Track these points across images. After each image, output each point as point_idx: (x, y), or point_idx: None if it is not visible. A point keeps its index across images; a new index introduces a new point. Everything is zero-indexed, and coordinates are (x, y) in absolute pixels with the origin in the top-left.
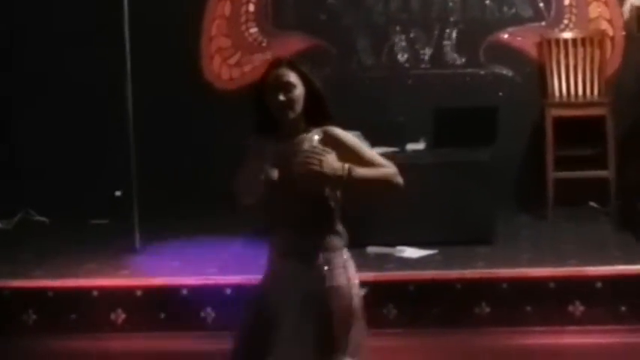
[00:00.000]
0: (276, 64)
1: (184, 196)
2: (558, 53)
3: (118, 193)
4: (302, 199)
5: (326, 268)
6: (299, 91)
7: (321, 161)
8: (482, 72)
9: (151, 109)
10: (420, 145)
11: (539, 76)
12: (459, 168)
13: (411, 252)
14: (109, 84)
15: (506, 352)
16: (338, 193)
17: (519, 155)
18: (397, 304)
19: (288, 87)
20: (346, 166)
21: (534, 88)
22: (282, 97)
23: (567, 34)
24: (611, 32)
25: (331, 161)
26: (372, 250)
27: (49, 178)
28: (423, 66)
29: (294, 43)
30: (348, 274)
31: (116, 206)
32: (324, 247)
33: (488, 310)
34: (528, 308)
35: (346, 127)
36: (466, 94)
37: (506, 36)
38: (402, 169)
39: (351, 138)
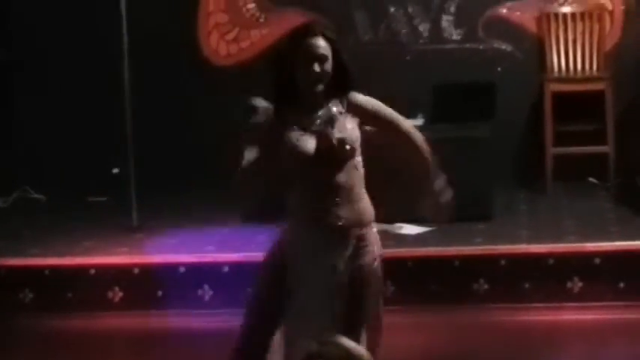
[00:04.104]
0: (308, 32)
1: (182, 172)
2: (557, 28)
3: (115, 171)
4: (333, 168)
5: (358, 243)
6: (330, 63)
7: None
8: (481, 47)
9: (148, 85)
10: (418, 121)
11: (539, 50)
12: (458, 144)
13: (409, 228)
14: (105, 60)
15: (505, 328)
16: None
17: (518, 131)
18: (395, 280)
19: (323, 58)
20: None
21: (533, 63)
22: (317, 69)
23: (566, 9)
24: (610, 6)
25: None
26: None
27: (47, 155)
28: (421, 41)
29: (292, 19)
30: (377, 251)
31: (114, 184)
32: (356, 221)
33: (486, 286)
34: (527, 285)
35: None
36: (465, 69)
37: (504, 10)
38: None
39: (373, 102)
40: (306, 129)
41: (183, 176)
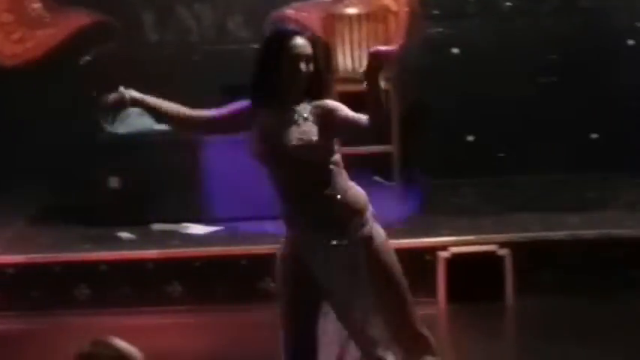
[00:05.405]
0: (294, 33)
1: None
2: (343, 29)
3: None
4: (302, 165)
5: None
6: (312, 64)
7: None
8: None
9: None
10: None
11: (325, 51)
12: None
13: (196, 228)
14: None
15: None
16: (337, 157)
17: None
18: (182, 281)
19: (309, 59)
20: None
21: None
22: (304, 68)
23: (351, 10)
24: (394, 8)
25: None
26: (156, 227)
27: None
28: (209, 41)
29: (79, 19)
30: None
31: None
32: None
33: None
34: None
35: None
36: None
37: (292, 11)
38: (188, 145)
39: (340, 107)
40: (281, 125)
41: None
